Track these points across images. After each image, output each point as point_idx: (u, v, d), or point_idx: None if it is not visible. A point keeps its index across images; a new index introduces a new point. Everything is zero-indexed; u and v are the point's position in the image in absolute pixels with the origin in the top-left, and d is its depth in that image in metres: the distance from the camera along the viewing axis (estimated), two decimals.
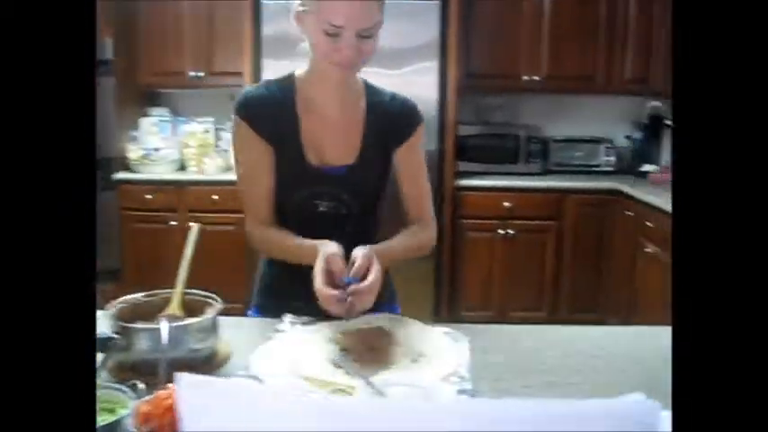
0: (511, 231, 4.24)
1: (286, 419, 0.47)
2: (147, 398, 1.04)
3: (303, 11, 1.48)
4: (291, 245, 1.58)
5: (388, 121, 1.66)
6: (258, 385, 0.79)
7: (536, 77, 4.43)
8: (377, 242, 1.60)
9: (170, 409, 0.97)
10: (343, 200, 1.65)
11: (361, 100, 1.66)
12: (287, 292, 1.66)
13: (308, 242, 1.52)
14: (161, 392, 1.03)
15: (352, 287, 1.38)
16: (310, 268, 1.44)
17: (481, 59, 4.39)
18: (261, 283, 1.81)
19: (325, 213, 1.65)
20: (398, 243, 1.64)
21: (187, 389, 0.47)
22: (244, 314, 1.74)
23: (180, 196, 4.32)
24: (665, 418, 1.11)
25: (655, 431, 0.86)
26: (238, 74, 4.20)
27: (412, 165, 1.71)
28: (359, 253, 1.44)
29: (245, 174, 1.65)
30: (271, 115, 1.59)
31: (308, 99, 1.62)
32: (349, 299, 1.38)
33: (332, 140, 1.63)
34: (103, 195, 4.33)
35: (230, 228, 4.25)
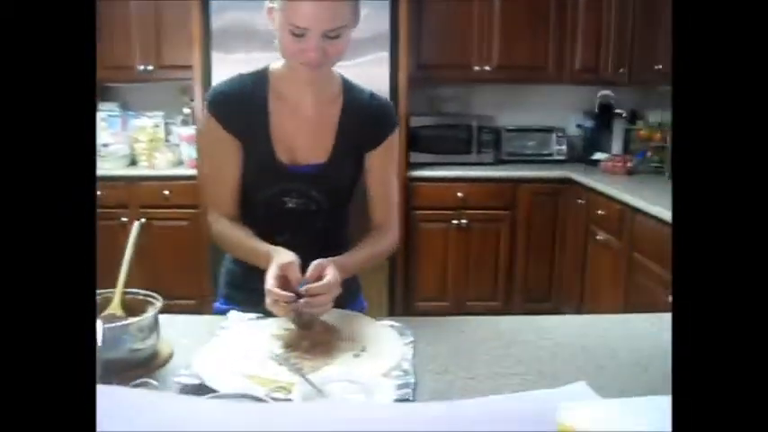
0: (464, 221, 4.26)
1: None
2: None
3: (272, 7, 1.45)
4: (248, 246, 1.55)
5: (364, 121, 1.63)
6: (160, 395, 0.79)
7: (487, 68, 4.45)
8: (347, 236, 1.60)
9: None
10: (312, 197, 1.63)
11: (337, 97, 1.63)
12: (253, 284, 1.65)
13: (264, 247, 1.50)
14: None
15: (306, 287, 1.36)
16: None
17: (432, 50, 4.39)
18: (227, 276, 1.78)
19: (293, 210, 1.63)
20: (360, 254, 1.61)
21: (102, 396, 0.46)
22: (200, 309, 1.72)
23: (131, 192, 4.25)
24: (606, 406, 1.13)
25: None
26: (188, 67, 4.13)
27: (383, 169, 1.68)
28: (313, 263, 1.42)
29: (211, 168, 1.65)
30: (241, 110, 1.57)
31: (280, 94, 1.59)
32: (301, 300, 1.35)
33: (303, 138, 1.60)
34: None
35: (182, 223, 4.21)
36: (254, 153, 1.59)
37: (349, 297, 1.64)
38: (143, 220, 4.19)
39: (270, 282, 1.35)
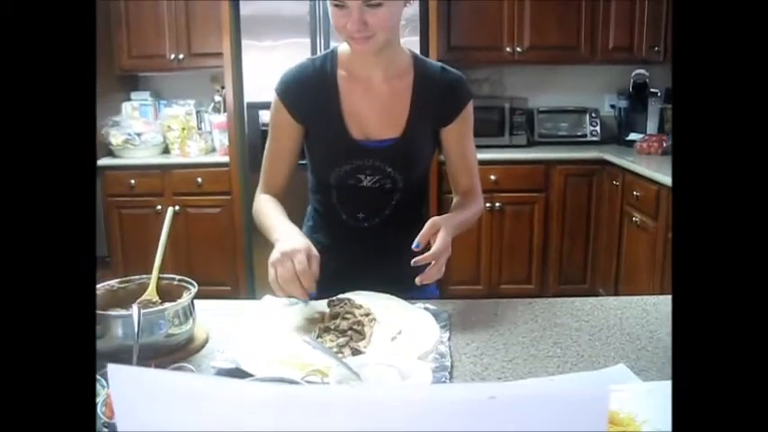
0: (497, 204, 4.23)
1: (223, 415, 0.46)
2: None
3: None
4: (267, 224, 1.54)
5: (437, 95, 1.61)
6: (198, 378, 0.78)
7: (519, 49, 4.39)
8: (424, 217, 1.58)
9: None
10: (387, 174, 1.61)
11: (407, 72, 1.61)
12: (322, 269, 1.66)
13: (277, 228, 1.48)
14: None
15: (417, 258, 1.39)
16: (350, 246, 1.59)
17: (463, 32, 4.35)
18: None
19: (368, 188, 1.63)
20: (460, 216, 1.61)
21: (120, 382, 0.45)
22: (234, 295, 1.72)
23: (164, 180, 4.28)
24: (648, 389, 1.11)
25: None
26: (218, 55, 4.15)
27: (461, 142, 1.67)
28: (429, 222, 1.44)
29: (270, 148, 1.66)
30: (309, 93, 1.59)
31: (349, 72, 1.59)
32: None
33: (376, 113, 1.59)
34: None
35: (216, 210, 4.23)
36: (325, 132, 1.60)
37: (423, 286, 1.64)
38: (177, 207, 4.24)
39: (270, 270, 1.34)
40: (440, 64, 1.67)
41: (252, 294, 4.13)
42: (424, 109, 1.60)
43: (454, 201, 1.71)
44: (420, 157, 1.66)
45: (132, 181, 4.27)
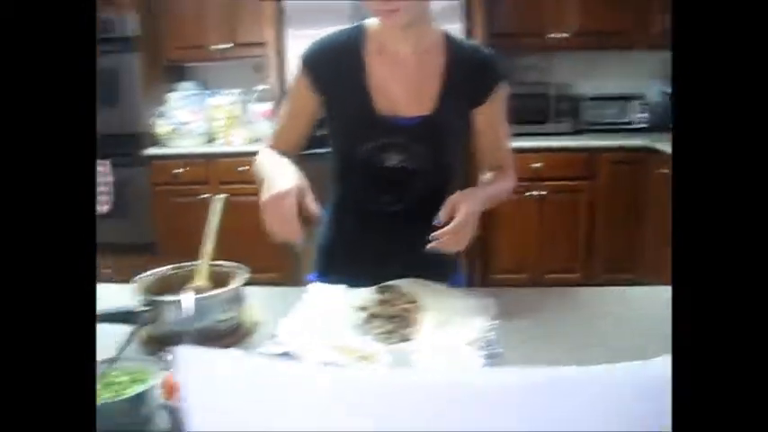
0: (542, 192, 4.19)
1: (285, 393, 0.46)
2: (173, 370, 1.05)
3: None
4: (263, 171, 1.48)
5: (469, 75, 1.56)
6: (260, 359, 0.79)
7: (564, 34, 4.33)
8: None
9: None
10: (413, 152, 1.57)
11: (439, 50, 1.56)
12: (347, 256, 1.65)
13: (272, 173, 1.42)
14: None
15: (432, 235, 1.38)
16: (370, 231, 1.52)
17: (507, 18, 4.31)
18: (320, 248, 1.77)
19: (393, 168, 1.58)
20: (489, 189, 1.60)
21: (186, 362, 0.46)
22: (280, 283, 1.72)
23: (209, 169, 4.33)
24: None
25: None
26: (262, 44, 4.17)
27: (493, 122, 1.63)
28: (448, 200, 1.42)
29: (284, 114, 1.65)
30: (336, 63, 1.55)
31: (378, 47, 1.55)
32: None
33: (405, 89, 1.55)
34: (134, 171, 4.37)
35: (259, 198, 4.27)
36: (350, 106, 1.56)
37: (449, 268, 1.66)
38: (223, 195, 4.28)
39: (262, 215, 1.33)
40: (474, 42, 1.64)
41: (297, 282, 4.15)
42: (456, 87, 1.56)
43: (484, 177, 1.68)
44: (450, 138, 1.61)
45: (178, 170, 4.33)
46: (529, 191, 4.17)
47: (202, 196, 4.28)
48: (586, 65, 4.69)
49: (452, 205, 1.41)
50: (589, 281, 4.30)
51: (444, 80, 1.55)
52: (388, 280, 1.49)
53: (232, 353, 1.06)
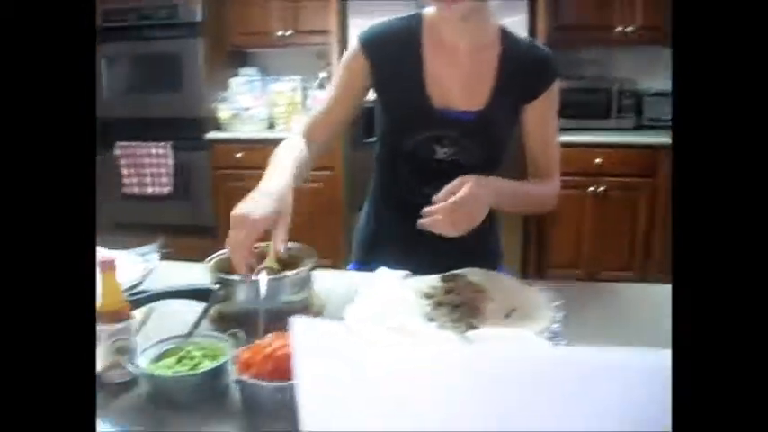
0: (602, 188, 4.13)
1: (400, 364, 0.47)
2: (247, 346, 1.07)
3: None
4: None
5: (523, 70, 1.55)
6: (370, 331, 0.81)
7: (630, 28, 4.25)
8: None
9: (270, 357, 1.00)
10: (465, 147, 1.56)
11: (494, 44, 1.56)
12: (385, 248, 1.65)
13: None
14: (261, 341, 1.06)
15: (427, 209, 1.34)
16: (409, 222, 1.40)
17: (572, 11, 4.24)
18: (358, 239, 1.79)
19: (441, 161, 1.57)
20: (519, 186, 1.56)
21: (302, 332, 0.48)
22: (336, 269, 1.73)
23: (269, 154, 4.36)
24: None
25: None
26: (325, 32, 4.20)
27: (542, 122, 1.60)
28: (456, 180, 1.36)
29: (330, 97, 1.59)
30: (393, 51, 1.54)
31: (435, 38, 1.54)
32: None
33: (459, 83, 1.54)
34: (196, 155, 4.45)
35: (317, 185, 4.29)
36: (404, 96, 1.55)
37: (489, 263, 1.61)
38: None
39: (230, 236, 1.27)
40: (529, 39, 1.62)
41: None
42: (509, 83, 1.54)
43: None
44: (500, 134, 1.60)
45: (239, 154, 4.39)
46: (588, 186, 4.12)
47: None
48: (650, 60, 4.59)
49: (458, 183, 1.35)
50: (645, 281, 4.24)
51: (498, 75, 1.54)
52: (427, 274, 1.47)
53: (346, 324, 1.07)
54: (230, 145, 4.43)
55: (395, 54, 1.53)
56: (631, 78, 4.49)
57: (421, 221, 1.34)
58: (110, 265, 1.09)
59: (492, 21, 1.56)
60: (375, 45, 1.54)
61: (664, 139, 4.13)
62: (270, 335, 1.07)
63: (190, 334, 1.14)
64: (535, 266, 4.29)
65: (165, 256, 1.68)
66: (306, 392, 0.48)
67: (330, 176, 4.29)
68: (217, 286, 1.28)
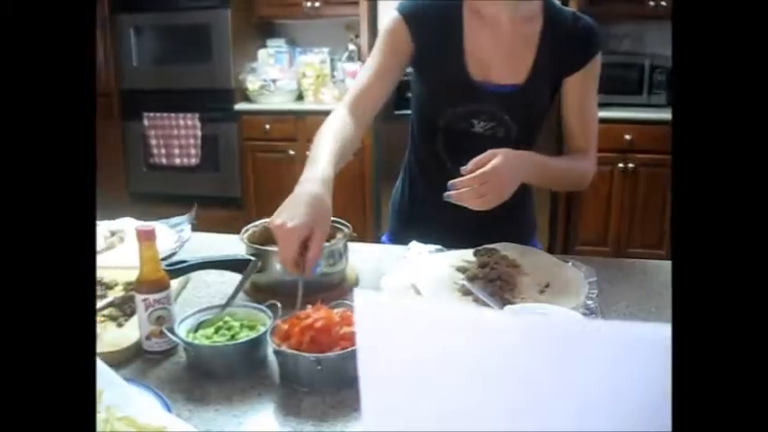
0: (631, 165, 4.09)
1: (456, 335, 0.47)
2: (285, 317, 1.08)
3: None
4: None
5: (565, 42, 1.51)
6: (426, 303, 0.80)
7: (663, 3, 4.18)
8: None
9: (309, 328, 1.01)
10: (503, 121, 1.53)
11: (537, 15, 1.52)
12: (419, 221, 1.65)
13: (306, 178, 1.27)
14: (300, 313, 1.06)
15: (454, 180, 1.29)
16: (440, 197, 1.36)
17: None
18: (393, 211, 1.78)
19: (479, 135, 1.54)
20: (557, 162, 1.52)
21: (363, 305, 0.48)
22: (364, 242, 1.72)
23: (298, 126, 4.38)
24: None
25: None
26: (354, 3, 4.18)
27: (582, 95, 1.56)
28: (486, 152, 1.31)
29: (372, 68, 1.53)
30: (432, 22, 1.50)
31: (476, 9, 1.51)
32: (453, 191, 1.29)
33: (500, 56, 1.51)
34: (225, 126, 4.46)
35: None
36: (443, 69, 1.52)
37: (523, 237, 1.59)
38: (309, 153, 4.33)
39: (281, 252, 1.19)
40: (572, 10, 1.57)
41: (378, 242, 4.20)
42: (549, 56, 1.51)
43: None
44: (540, 108, 1.58)
45: (267, 126, 4.40)
46: (617, 163, 4.08)
47: (290, 153, 4.35)
48: None
49: (488, 156, 1.30)
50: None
51: (539, 49, 1.51)
52: (458, 248, 1.45)
53: (410, 299, 1.08)
54: (259, 116, 4.43)
55: (435, 26, 1.51)
56: (664, 54, 4.42)
57: (447, 194, 1.30)
58: (149, 235, 1.10)
59: None
60: (415, 16, 1.51)
61: None
62: (308, 307, 1.08)
63: (228, 304, 1.15)
64: (562, 243, 4.27)
65: (193, 227, 1.69)
66: (367, 366, 0.48)
67: (359, 149, 4.26)
68: (253, 257, 1.28)
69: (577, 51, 1.53)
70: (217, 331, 1.09)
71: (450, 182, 1.30)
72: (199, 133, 4.45)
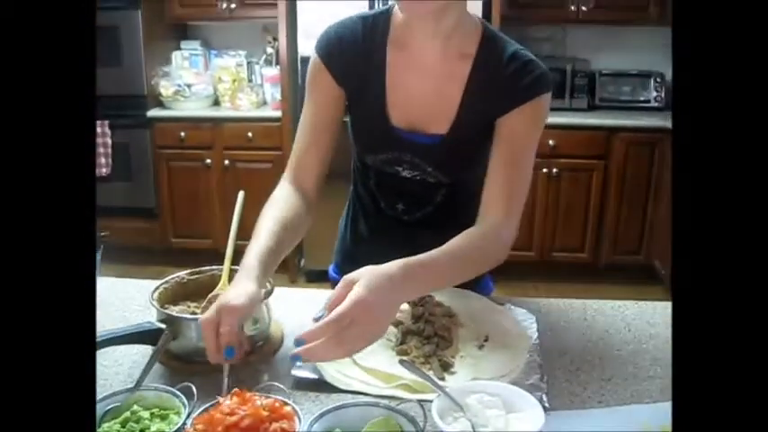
0: (555, 170, 4.08)
1: None
2: (203, 407, 0.95)
3: None
4: (252, 243, 1.24)
5: (496, 84, 1.29)
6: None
7: (584, 8, 4.17)
8: (475, 212, 1.29)
9: (233, 427, 0.89)
10: (427, 172, 1.38)
11: (468, 51, 1.32)
12: (361, 261, 1.47)
13: (245, 264, 1.17)
14: (221, 402, 0.94)
15: (297, 338, 1.00)
16: (383, 234, 1.32)
17: None
18: (339, 241, 1.65)
19: (408, 180, 1.40)
20: (448, 250, 1.17)
21: None
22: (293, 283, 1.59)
23: (214, 133, 4.21)
24: None
25: None
26: (272, 5, 4.01)
27: (513, 142, 1.30)
28: (343, 278, 1.06)
29: (308, 117, 1.39)
30: (353, 59, 1.34)
31: (401, 43, 1.33)
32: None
33: (423, 100, 1.33)
34: (137, 133, 4.24)
35: (265, 165, 4.12)
36: (365, 113, 1.37)
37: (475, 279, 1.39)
38: (226, 162, 4.17)
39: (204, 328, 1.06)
40: (516, 47, 1.33)
41: (300, 254, 4.07)
42: (478, 101, 1.31)
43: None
44: (470, 156, 1.37)
45: (182, 133, 4.21)
46: (541, 168, 4.06)
47: (206, 161, 4.18)
48: (605, 40, 4.53)
49: (343, 289, 1.03)
50: (597, 262, 4.24)
51: (465, 92, 1.32)
52: None
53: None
54: (173, 123, 4.24)
55: (356, 60, 1.35)
56: (584, 58, 4.43)
57: (293, 352, 0.99)
58: None
59: (474, 23, 1.34)
60: (333, 50, 1.36)
61: (617, 120, 4.10)
62: (227, 398, 0.95)
63: (137, 386, 1.01)
64: (491, 278, 4.22)
65: (104, 240, 1.53)
66: None
67: (279, 156, 4.08)
68: (164, 325, 1.15)
69: (511, 92, 1.30)
70: (124, 425, 0.95)
71: (296, 337, 1.00)
72: (109, 141, 4.22)
